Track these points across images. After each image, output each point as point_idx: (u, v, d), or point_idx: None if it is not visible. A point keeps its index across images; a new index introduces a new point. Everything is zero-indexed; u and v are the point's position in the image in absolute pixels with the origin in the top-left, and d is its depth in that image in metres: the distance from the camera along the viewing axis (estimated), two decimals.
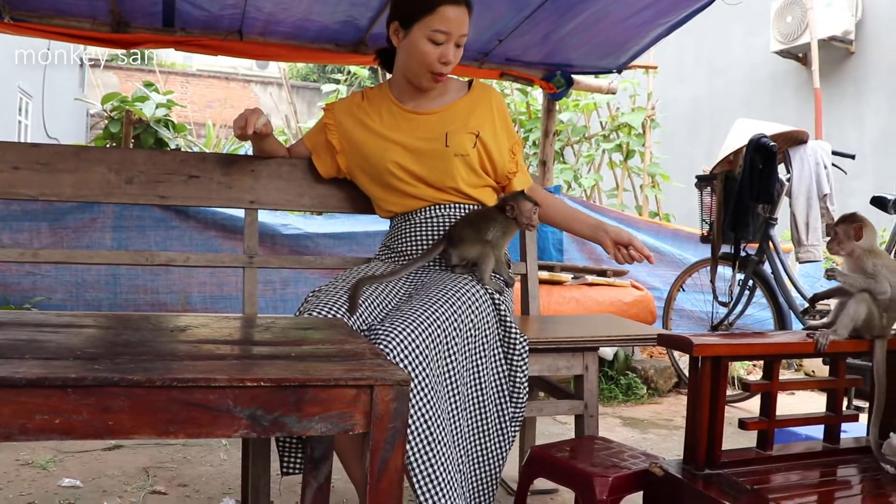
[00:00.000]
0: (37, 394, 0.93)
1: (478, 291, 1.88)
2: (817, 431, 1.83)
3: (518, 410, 1.90)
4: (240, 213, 3.82)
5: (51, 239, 3.86)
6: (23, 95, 12.66)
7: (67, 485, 2.47)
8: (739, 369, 4.72)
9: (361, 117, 2.21)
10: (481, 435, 1.84)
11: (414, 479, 1.60)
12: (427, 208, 2.14)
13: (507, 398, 1.89)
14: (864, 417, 1.87)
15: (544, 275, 4.13)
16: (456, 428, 1.74)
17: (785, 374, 4.98)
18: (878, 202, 3.60)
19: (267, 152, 2.31)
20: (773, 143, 3.63)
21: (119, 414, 0.97)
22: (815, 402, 4.18)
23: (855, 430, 2.02)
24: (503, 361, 1.90)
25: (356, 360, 1.16)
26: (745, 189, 3.70)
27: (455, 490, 1.65)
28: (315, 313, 1.74)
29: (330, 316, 1.73)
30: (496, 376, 1.89)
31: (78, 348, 1.12)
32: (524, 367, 1.91)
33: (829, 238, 1.76)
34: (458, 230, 2.03)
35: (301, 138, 2.40)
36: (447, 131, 2.13)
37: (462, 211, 2.14)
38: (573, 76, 4.07)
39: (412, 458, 1.60)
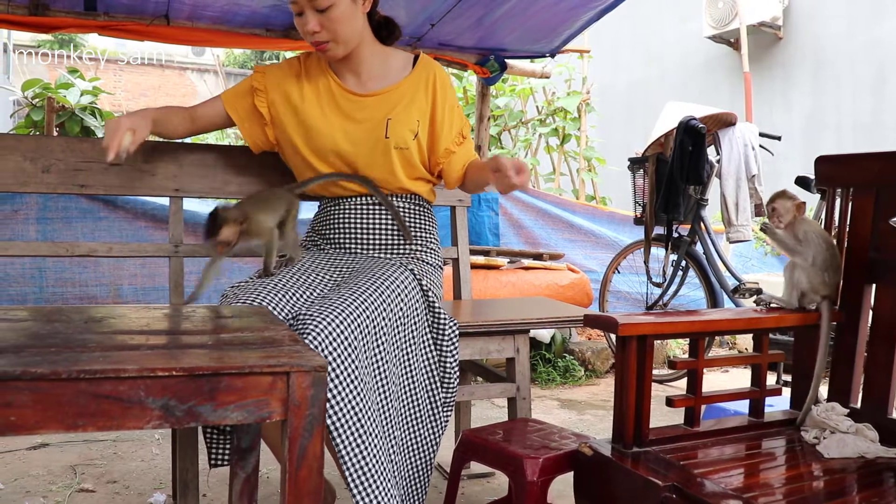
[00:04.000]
0: None
1: (406, 278, 1.86)
2: (747, 407, 1.86)
3: (449, 395, 1.89)
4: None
5: None
6: None
7: None
8: (675, 349, 4.81)
9: (304, 86, 2.08)
10: (413, 421, 1.83)
11: (345, 469, 1.58)
12: (362, 196, 2.09)
13: (438, 383, 1.89)
14: (787, 391, 1.91)
15: (480, 259, 4.14)
16: (387, 415, 1.72)
17: (720, 353, 5.08)
18: (802, 182, 3.69)
19: (171, 137, 2.12)
20: (701, 126, 3.69)
21: (22, 409, 0.94)
22: (748, 379, 4.26)
23: (780, 404, 2.07)
24: (433, 347, 1.89)
25: (274, 347, 1.13)
26: (676, 171, 3.76)
27: (387, 478, 1.64)
28: (237, 303, 1.70)
29: (255, 304, 1.69)
30: (426, 362, 1.88)
31: None
32: (454, 352, 1.90)
33: (769, 214, 1.84)
34: (251, 210, 1.93)
35: (215, 98, 2.17)
36: (388, 117, 2.03)
37: (396, 201, 2.10)
38: (507, 60, 4.07)
39: (343, 448, 1.58)
